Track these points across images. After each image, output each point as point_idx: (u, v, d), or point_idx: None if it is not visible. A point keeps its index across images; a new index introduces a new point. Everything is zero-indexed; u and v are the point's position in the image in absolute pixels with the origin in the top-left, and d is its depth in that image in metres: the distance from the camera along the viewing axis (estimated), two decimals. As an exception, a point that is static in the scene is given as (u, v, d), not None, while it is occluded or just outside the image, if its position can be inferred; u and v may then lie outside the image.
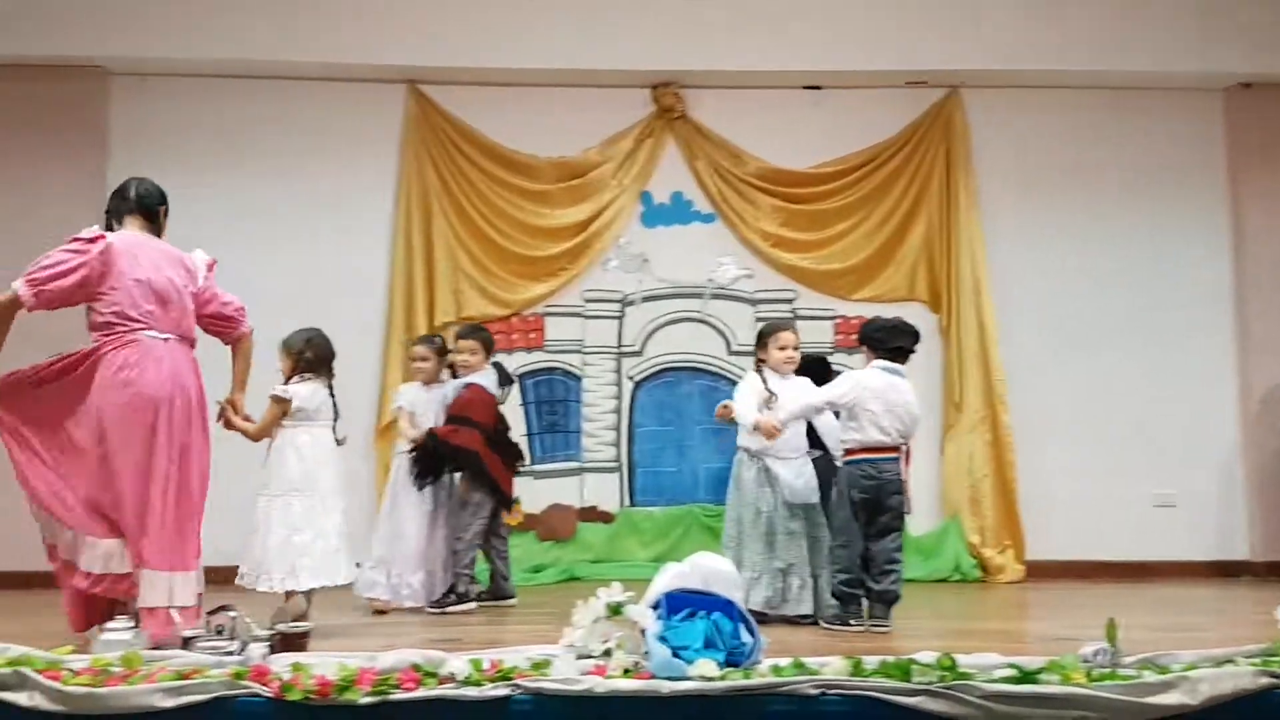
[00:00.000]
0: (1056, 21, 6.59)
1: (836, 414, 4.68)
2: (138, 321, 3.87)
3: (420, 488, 5.19)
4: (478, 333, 5.53)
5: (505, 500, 5.38)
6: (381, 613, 5.03)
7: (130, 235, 3.99)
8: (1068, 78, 6.75)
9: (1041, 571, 6.41)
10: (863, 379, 4.53)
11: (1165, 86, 6.81)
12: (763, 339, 4.90)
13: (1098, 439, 6.60)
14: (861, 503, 4.40)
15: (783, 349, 4.79)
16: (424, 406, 5.36)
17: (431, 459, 5.18)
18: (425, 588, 5.18)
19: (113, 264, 3.85)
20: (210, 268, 4.20)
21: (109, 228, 4.02)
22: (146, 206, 4.08)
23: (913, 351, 4.65)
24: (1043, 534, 6.50)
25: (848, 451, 4.49)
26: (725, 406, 4.80)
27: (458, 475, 5.32)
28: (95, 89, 6.46)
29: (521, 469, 5.73)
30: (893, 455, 4.43)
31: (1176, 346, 6.74)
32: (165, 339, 3.91)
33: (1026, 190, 6.85)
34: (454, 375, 5.42)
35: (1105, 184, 6.86)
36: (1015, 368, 6.59)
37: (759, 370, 4.85)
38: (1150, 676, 2.68)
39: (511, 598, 5.39)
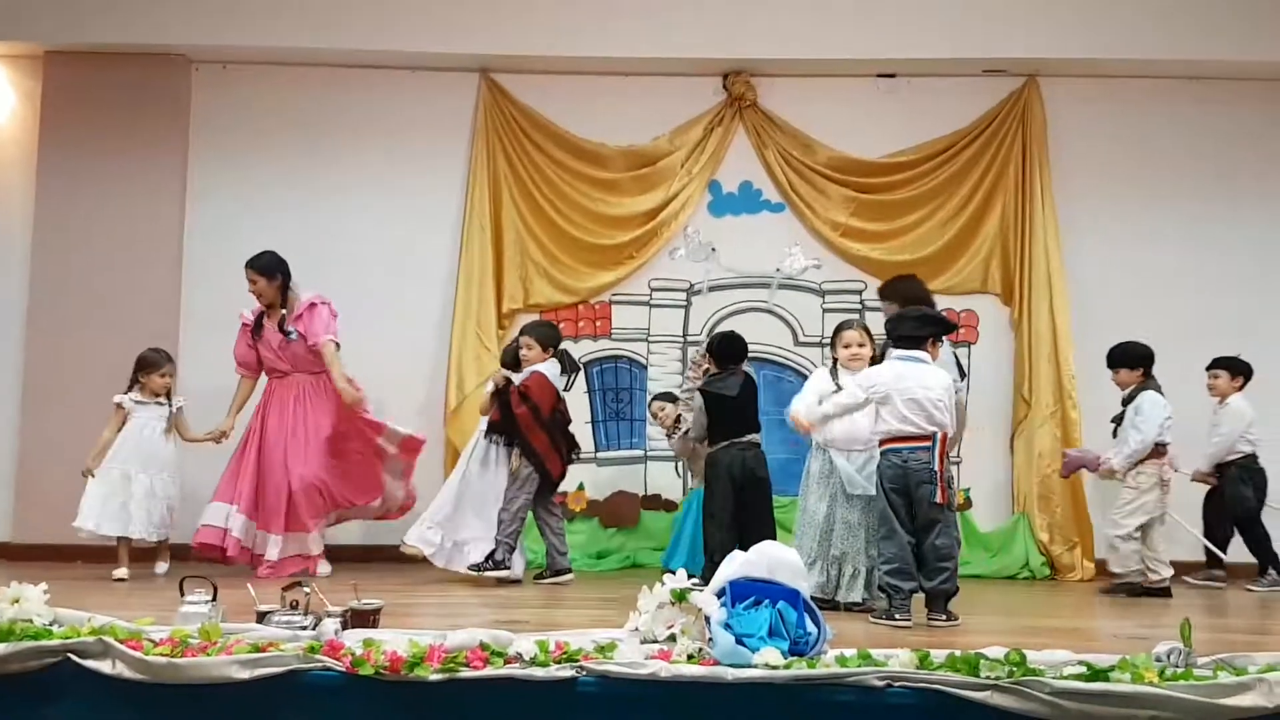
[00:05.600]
0: (1138, 8, 6.43)
1: None
2: None
3: (488, 437, 5.61)
4: (535, 329, 5.90)
5: (549, 478, 5.63)
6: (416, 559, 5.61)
7: None
8: (1150, 67, 6.57)
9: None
10: (871, 372, 4.62)
11: (1252, 76, 6.62)
12: (834, 339, 5.15)
13: (1172, 438, 6.42)
14: (893, 492, 4.39)
15: (846, 347, 5.02)
16: None
17: (503, 404, 5.56)
18: (479, 555, 5.50)
19: None
20: None
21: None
22: None
23: (925, 337, 4.56)
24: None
25: (880, 443, 4.49)
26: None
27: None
28: (178, 76, 6.61)
29: (584, 457, 6.08)
30: (920, 444, 4.35)
31: (1266, 345, 6.50)
32: None
33: (1106, 183, 6.70)
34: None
35: (1188, 177, 6.69)
36: (1088, 364, 6.42)
37: (834, 367, 5.04)
38: (1226, 677, 2.63)
39: (568, 572, 5.63)
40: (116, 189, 6.49)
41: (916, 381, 4.40)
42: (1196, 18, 6.41)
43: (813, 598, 4.55)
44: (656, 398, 6.35)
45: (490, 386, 5.72)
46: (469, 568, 5.41)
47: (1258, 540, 5.94)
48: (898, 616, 4.24)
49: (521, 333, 5.86)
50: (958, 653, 2.72)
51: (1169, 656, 2.78)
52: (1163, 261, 6.65)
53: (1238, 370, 6.09)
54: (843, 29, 6.49)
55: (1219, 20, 6.40)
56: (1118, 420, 5.84)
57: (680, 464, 6.51)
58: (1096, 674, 2.62)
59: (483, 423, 5.75)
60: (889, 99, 6.78)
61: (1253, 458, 6.00)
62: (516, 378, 5.67)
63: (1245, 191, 6.69)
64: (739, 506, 5.12)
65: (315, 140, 6.69)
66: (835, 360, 5.07)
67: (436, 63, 6.64)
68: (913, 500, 4.36)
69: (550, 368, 5.69)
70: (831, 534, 4.81)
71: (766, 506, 5.22)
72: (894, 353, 4.60)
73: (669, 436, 6.16)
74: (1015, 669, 2.62)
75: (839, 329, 5.12)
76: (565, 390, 5.71)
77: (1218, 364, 6.15)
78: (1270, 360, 6.44)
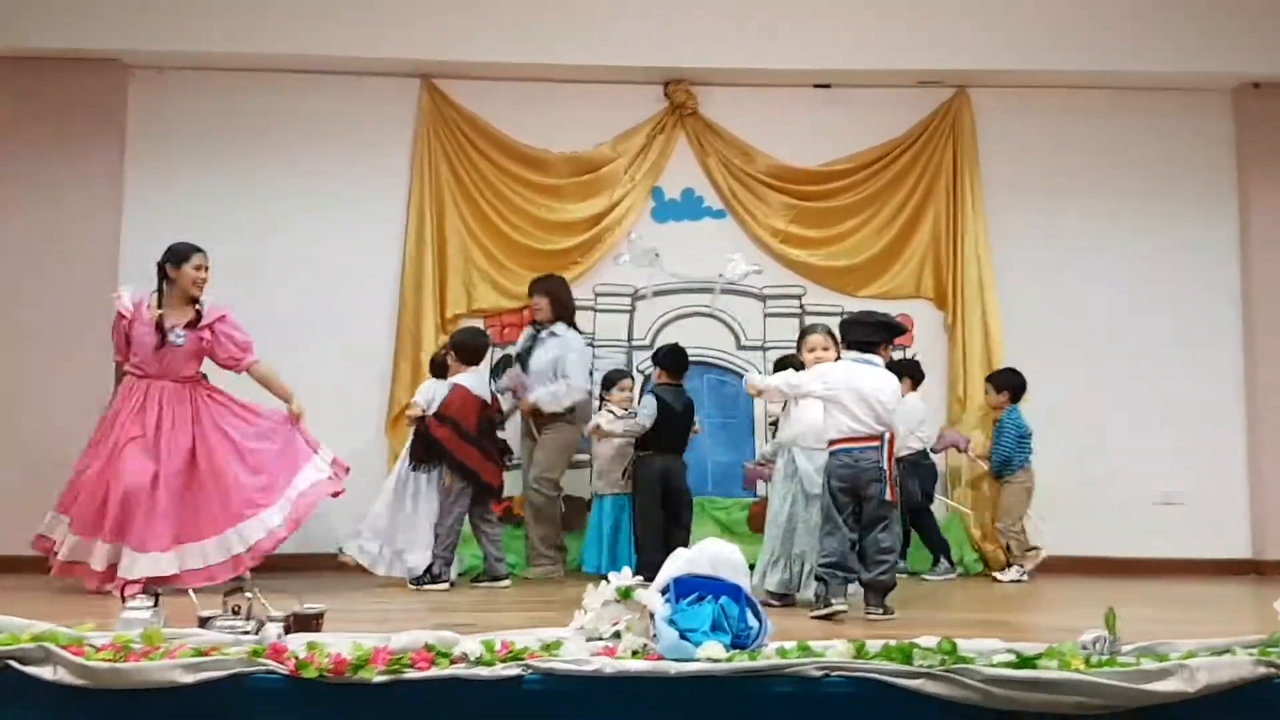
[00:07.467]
0: (1065, 21, 6.63)
1: None
2: None
3: (414, 469, 5.61)
4: (457, 339, 5.92)
5: (486, 488, 5.70)
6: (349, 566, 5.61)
7: None
8: (1076, 77, 6.78)
9: (1043, 567, 6.40)
10: (824, 370, 4.72)
11: (1174, 87, 6.85)
12: (799, 342, 5.25)
13: (1100, 437, 6.63)
14: (840, 490, 4.48)
15: (810, 350, 5.06)
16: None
17: (420, 443, 5.62)
18: (417, 561, 5.56)
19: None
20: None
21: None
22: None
23: (878, 342, 4.72)
24: (1045, 530, 6.51)
25: (830, 443, 4.58)
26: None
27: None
28: (114, 82, 6.51)
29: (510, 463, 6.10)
30: (870, 444, 4.46)
31: (1183, 347, 6.77)
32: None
33: (1034, 190, 6.89)
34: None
35: (1113, 184, 6.89)
36: (1018, 365, 6.59)
37: (798, 370, 5.15)
38: (1148, 664, 2.72)
39: (505, 578, 5.73)
40: (52, 194, 6.37)
41: (868, 383, 4.51)
42: (1119, 32, 6.62)
43: (775, 594, 4.76)
44: (622, 373, 6.30)
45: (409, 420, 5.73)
46: (410, 583, 5.46)
47: (926, 532, 6.32)
48: (833, 601, 4.33)
49: (449, 341, 5.96)
50: (892, 643, 2.80)
51: (1094, 645, 2.88)
52: (1088, 266, 6.85)
53: (904, 372, 6.27)
54: (781, 40, 6.61)
55: (1141, 34, 6.63)
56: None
57: (593, 468, 6.36)
58: (1025, 662, 2.71)
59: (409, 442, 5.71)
60: (826, 109, 6.91)
61: (922, 454, 6.33)
62: (434, 397, 5.70)
63: (1167, 197, 6.91)
64: (666, 504, 5.83)
65: (254, 146, 6.64)
66: (801, 364, 5.15)
67: (377, 68, 6.63)
68: (861, 498, 4.47)
69: (472, 378, 5.75)
70: (794, 533, 4.96)
71: (686, 509, 5.95)
72: (846, 354, 4.71)
73: (613, 414, 6.11)
74: (947, 658, 2.71)
75: (805, 332, 5.21)
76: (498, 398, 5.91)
77: (888, 368, 6.45)
78: (1198, 360, 6.71)
